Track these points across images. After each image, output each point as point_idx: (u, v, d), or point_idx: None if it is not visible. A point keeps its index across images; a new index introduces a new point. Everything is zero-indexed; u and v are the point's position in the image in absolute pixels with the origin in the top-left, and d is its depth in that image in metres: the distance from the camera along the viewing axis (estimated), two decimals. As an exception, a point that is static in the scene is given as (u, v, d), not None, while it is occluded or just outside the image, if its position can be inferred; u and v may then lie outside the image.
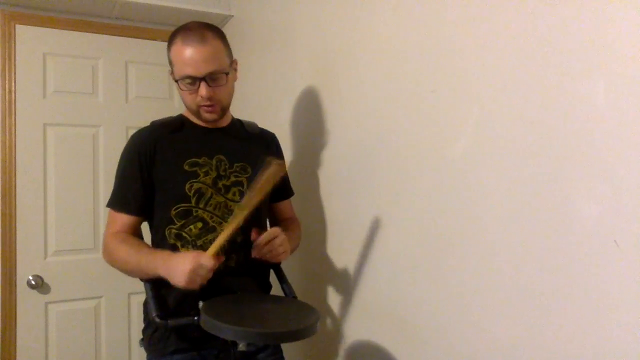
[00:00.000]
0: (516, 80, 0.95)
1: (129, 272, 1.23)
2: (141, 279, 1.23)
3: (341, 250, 1.51)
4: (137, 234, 1.28)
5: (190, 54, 1.19)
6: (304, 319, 1.05)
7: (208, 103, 1.23)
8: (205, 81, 1.20)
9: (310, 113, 1.67)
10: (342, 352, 1.52)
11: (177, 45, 1.21)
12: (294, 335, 0.99)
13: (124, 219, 1.25)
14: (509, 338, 0.97)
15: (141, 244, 1.24)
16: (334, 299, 1.56)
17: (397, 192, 1.28)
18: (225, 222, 1.26)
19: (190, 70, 1.19)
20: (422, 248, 1.20)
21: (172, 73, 1.26)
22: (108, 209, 1.28)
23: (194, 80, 1.21)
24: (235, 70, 1.32)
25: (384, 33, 1.31)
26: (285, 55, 1.84)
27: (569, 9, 0.85)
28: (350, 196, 1.47)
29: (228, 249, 1.25)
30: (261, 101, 2.00)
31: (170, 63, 1.25)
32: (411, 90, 1.22)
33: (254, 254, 1.21)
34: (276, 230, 1.23)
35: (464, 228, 1.07)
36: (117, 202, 1.27)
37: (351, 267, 1.46)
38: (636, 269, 0.76)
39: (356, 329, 1.45)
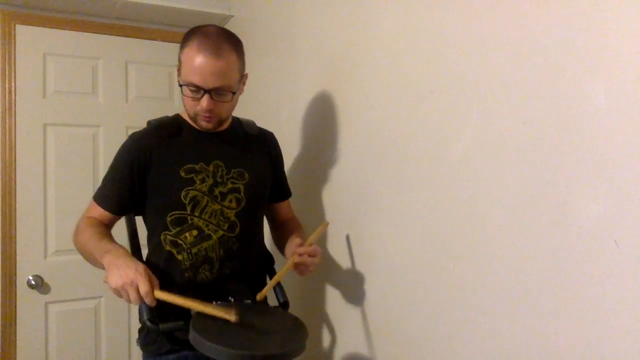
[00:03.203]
0: (516, 80, 0.95)
1: (84, 254, 1.22)
2: (92, 265, 1.21)
3: (340, 252, 1.51)
4: (110, 227, 1.30)
5: (201, 64, 1.15)
6: (290, 340, 1.06)
7: (207, 114, 1.22)
8: (210, 94, 1.18)
9: (310, 114, 1.67)
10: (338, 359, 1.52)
11: (191, 49, 1.16)
12: (279, 358, 1.00)
13: (101, 212, 1.28)
14: (510, 339, 0.97)
15: (107, 234, 1.24)
16: (330, 302, 1.56)
17: (397, 193, 1.28)
18: (221, 229, 1.26)
19: (197, 80, 1.16)
20: (421, 249, 1.20)
21: (178, 72, 1.24)
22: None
23: (199, 90, 1.18)
24: (244, 84, 1.29)
25: (384, 33, 1.31)
26: (285, 55, 1.84)
27: (569, 9, 0.85)
28: (350, 197, 1.47)
29: (224, 257, 1.26)
30: (261, 102, 2.00)
31: (179, 62, 1.22)
32: (411, 90, 1.22)
33: (296, 260, 1.19)
34: (319, 250, 1.24)
35: (464, 229, 1.07)
36: (100, 196, 1.28)
37: (349, 270, 1.46)
38: (636, 269, 0.76)
39: (353, 334, 1.45)
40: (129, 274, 1.04)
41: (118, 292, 1.05)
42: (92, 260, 1.19)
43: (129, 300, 1.05)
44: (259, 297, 1.19)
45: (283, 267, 1.22)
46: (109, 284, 1.06)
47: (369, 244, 1.38)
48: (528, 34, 0.92)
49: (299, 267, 1.21)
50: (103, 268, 1.12)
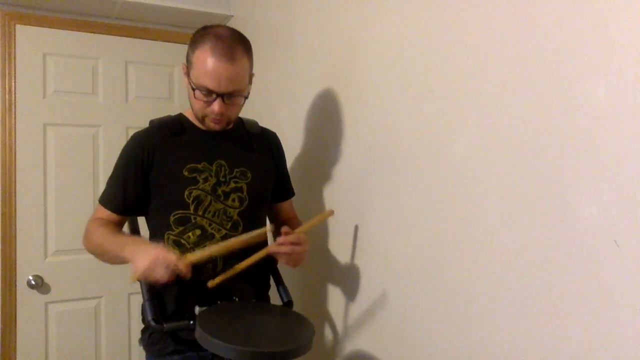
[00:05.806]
0: (516, 80, 0.95)
1: (101, 255, 1.23)
2: (111, 263, 1.22)
3: (340, 251, 1.50)
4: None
5: (214, 68, 1.14)
6: (297, 337, 1.06)
7: (218, 117, 1.22)
8: (222, 98, 1.18)
9: (310, 114, 1.67)
10: (341, 358, 1.52)
11: (204, 52, 1.15)
12: (287, 355, 1.00)
13: (107, 214, 1.28)
14: (510, 339, 0.97)
15: (119, 231, 1.25)
16: (332, 301, 1.56)
17: (397, 193, 1.28)
18: (224, 229, 1.26)
19: (210, 84, 1.16)
20: (421, 248, 1.20)
21: (186, 72, 1.23)
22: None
23: (211, 93, 1.18)
24: (250, 83, 1.28)
25: (384, 33, 1.31)
26: (285, 55, 1.84)
27: (569, 9, 0.85)
28: (350, 196, 1.47)
29: (227, 256, 1.25)
30: (262, 101, 2.00)
31: (189, 62, 1.21)
32: (411, 90, 1.22)
33: (273, 249, 1.19)
34: (305, 238, 1.22)
35: (464, 229, 1.07)
36: (106, 199, 1.28)
37: (350, 269, 1.46)
38: (636, 269, 0.76)
39: (355, 332, 1.45)
40: (154, 253, 1.06)
41: (147, 273, 1.06)
42: (111, 257, 1.20)
43: (161, 277, 1.06)
44: (210, 284, 1.17)
45: (253, 256, 1.20)
46: (136, 269, 1.06)
47: (370, 243, 1.38)
48: (527, 34, 0.92)
49: (283, 257, 1.20)
50: (124, 263, 1.13)
